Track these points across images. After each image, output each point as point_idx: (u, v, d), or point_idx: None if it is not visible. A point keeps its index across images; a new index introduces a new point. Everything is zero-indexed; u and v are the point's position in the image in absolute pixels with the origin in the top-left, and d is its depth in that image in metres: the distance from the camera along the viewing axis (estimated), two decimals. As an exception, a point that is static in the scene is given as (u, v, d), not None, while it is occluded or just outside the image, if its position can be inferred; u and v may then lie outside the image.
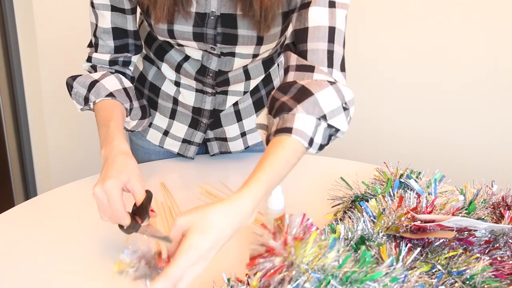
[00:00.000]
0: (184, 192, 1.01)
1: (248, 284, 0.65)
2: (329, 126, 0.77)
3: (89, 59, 0.99)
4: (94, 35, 0.97)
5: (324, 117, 0.75)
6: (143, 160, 1.18)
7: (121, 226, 0.75)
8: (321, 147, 0.77)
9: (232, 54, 0.97)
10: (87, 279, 0.77)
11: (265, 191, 0.67)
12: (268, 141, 0.77)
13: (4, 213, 0.92)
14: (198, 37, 0.93)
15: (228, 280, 0.69)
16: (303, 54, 0.80)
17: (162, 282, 0.58)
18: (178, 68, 1.02)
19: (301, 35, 0.81)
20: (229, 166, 1.12)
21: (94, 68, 0.99)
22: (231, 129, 1.12)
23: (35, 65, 1.82)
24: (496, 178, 0.90)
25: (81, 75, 0.97)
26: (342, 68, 0.81)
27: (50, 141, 1.96)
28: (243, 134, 1.13)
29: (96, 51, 0.98)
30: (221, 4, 0.88)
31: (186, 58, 1.01)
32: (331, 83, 0.77)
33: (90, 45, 1.00)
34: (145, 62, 1.10)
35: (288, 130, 0.73)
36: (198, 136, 1.11)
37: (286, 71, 0.82)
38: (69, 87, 0.97)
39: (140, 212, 0.76)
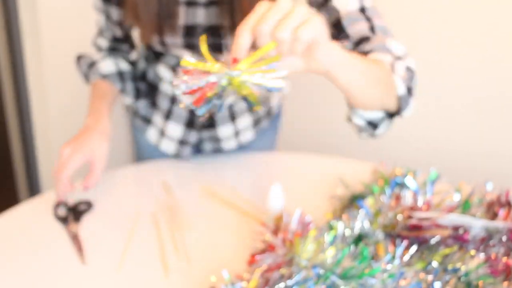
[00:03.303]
0: (186, 192, 1.02)
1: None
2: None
3: (94, 43, 1.11)
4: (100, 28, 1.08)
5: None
6: (145, 157, 1.19)
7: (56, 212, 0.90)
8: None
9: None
10: (91, 277, 0.78)
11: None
12: None
13: (8, 210, 0.93)
14: (189, 47, 0.95)
15: (228, 277, 0.70)
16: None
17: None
18: (173, 71, 1.05)
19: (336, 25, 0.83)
20: (229, 166, 1.13)
21: (99, 48, 1.10)
22: (224, 129, 1.13)
23: (39, 60, 1.82)
24: (491, 177, 0.91)
25: (85, 55, 1.10)
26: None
27: (54, 137, 1.96)
28: (237, 133, 1.14)
29: (99, 36, 1.09)
30: (208, 16, 0.91)
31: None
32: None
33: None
34: (144, 61, 1.12)
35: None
36: (193, 136, 1.12)
37: None
38: (77, 64, 1.11)
39: (74, 213, 0.90)
